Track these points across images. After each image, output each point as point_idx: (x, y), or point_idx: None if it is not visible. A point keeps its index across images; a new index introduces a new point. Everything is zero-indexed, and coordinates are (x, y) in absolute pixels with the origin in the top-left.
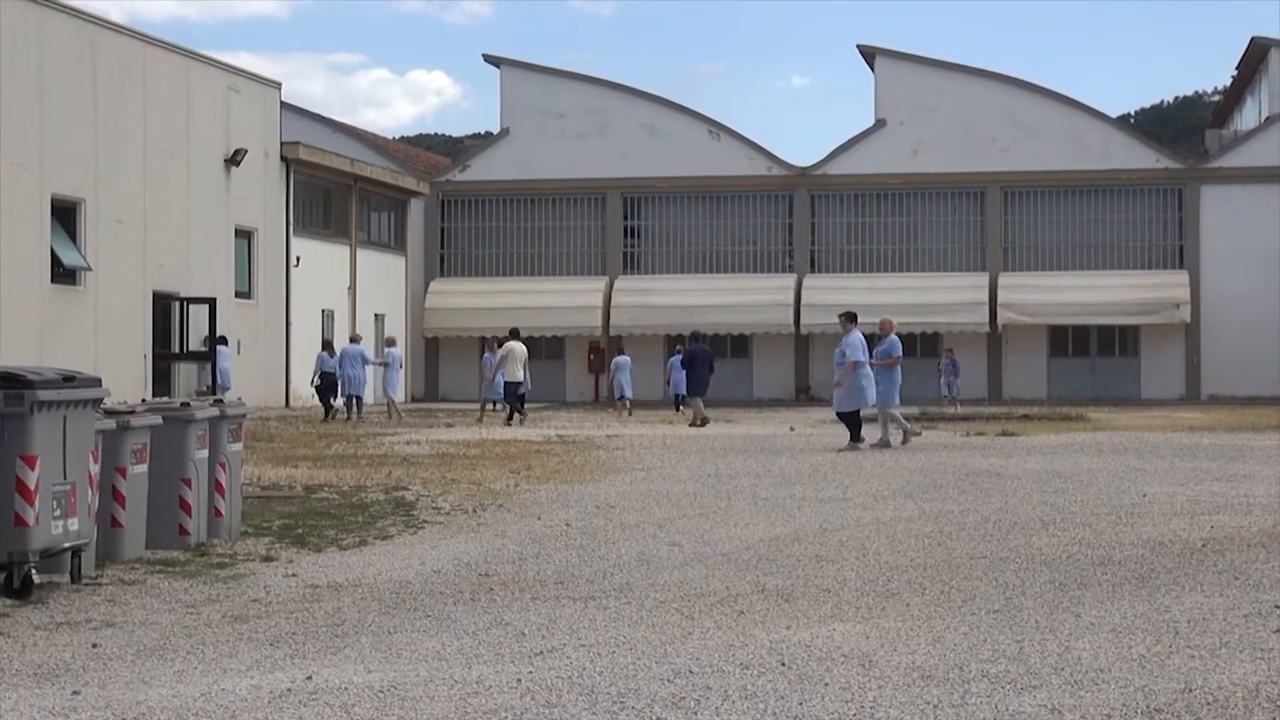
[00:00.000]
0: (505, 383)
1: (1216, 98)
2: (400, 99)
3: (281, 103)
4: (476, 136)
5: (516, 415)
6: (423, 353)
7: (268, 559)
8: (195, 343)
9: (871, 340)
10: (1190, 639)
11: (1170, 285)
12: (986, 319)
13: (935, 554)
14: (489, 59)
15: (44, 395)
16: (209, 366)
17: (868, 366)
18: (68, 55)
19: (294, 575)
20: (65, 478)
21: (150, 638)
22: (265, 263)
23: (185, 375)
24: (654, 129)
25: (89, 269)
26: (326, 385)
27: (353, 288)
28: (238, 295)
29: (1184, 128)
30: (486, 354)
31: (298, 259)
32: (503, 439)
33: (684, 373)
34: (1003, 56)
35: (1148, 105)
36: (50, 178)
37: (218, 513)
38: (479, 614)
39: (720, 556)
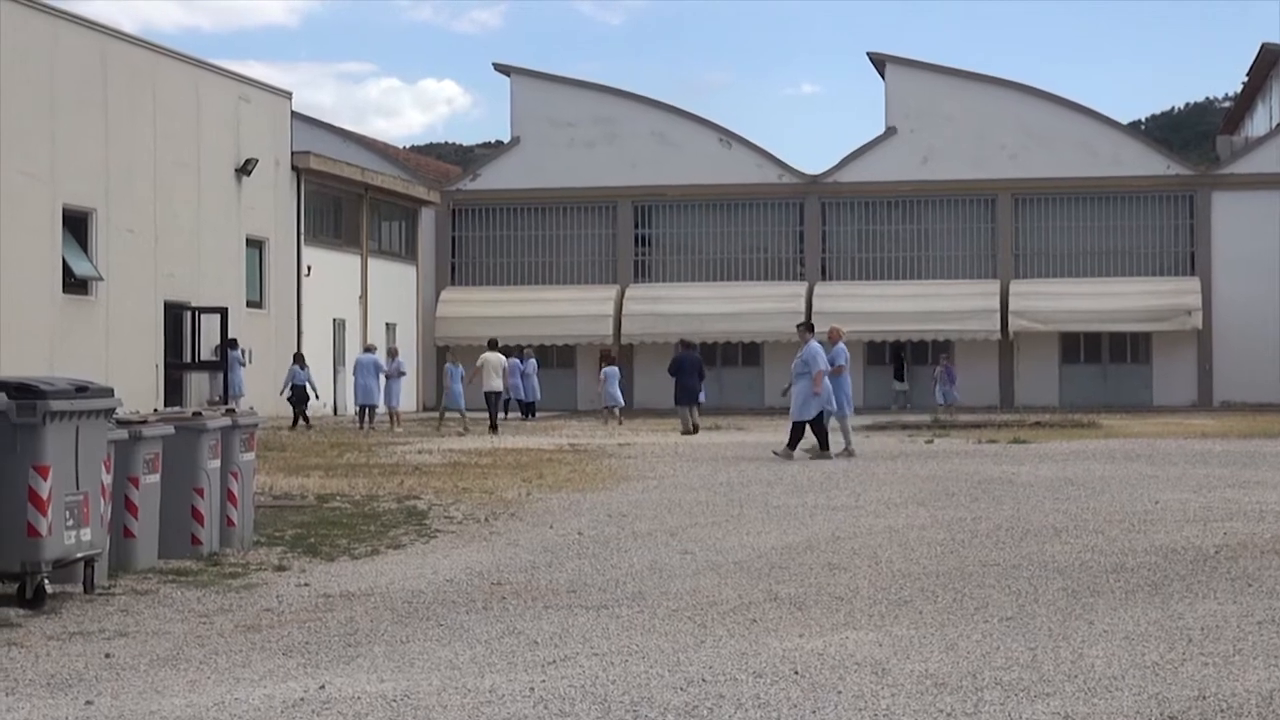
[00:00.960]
0: (485, 393)
1: (1227, 104)
2: (410, 108)
3: (292, 112)
4: (487, 145)
5: (494, 425)
6: (434, 361)
7: (280, 568)
8: (207, 352)
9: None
10: (1204, 646)
11: (1182, 292)
12: (998, 326)
13: (948, 561)
14: (499, 68)
15: (56, 405)
16: (221, 376)
17: (826, 379)
18: (78, 65)
19: (306, 585)
20: (78, 488)
21: (163, 648)
22: (276, 272)
23: (197, 385)
24: (664, 137)
25: (100, 279)
26: (297, 397)
27: (364, 297)
28: (249, 305)
29: (1195, 134)
30: (448, 363)
31: (309, 268)
32: (514, 448)
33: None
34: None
35: (1158, 112)
36: (61, 188)
37: (230, 522)
38: (491, 623)
39: (733, 564)
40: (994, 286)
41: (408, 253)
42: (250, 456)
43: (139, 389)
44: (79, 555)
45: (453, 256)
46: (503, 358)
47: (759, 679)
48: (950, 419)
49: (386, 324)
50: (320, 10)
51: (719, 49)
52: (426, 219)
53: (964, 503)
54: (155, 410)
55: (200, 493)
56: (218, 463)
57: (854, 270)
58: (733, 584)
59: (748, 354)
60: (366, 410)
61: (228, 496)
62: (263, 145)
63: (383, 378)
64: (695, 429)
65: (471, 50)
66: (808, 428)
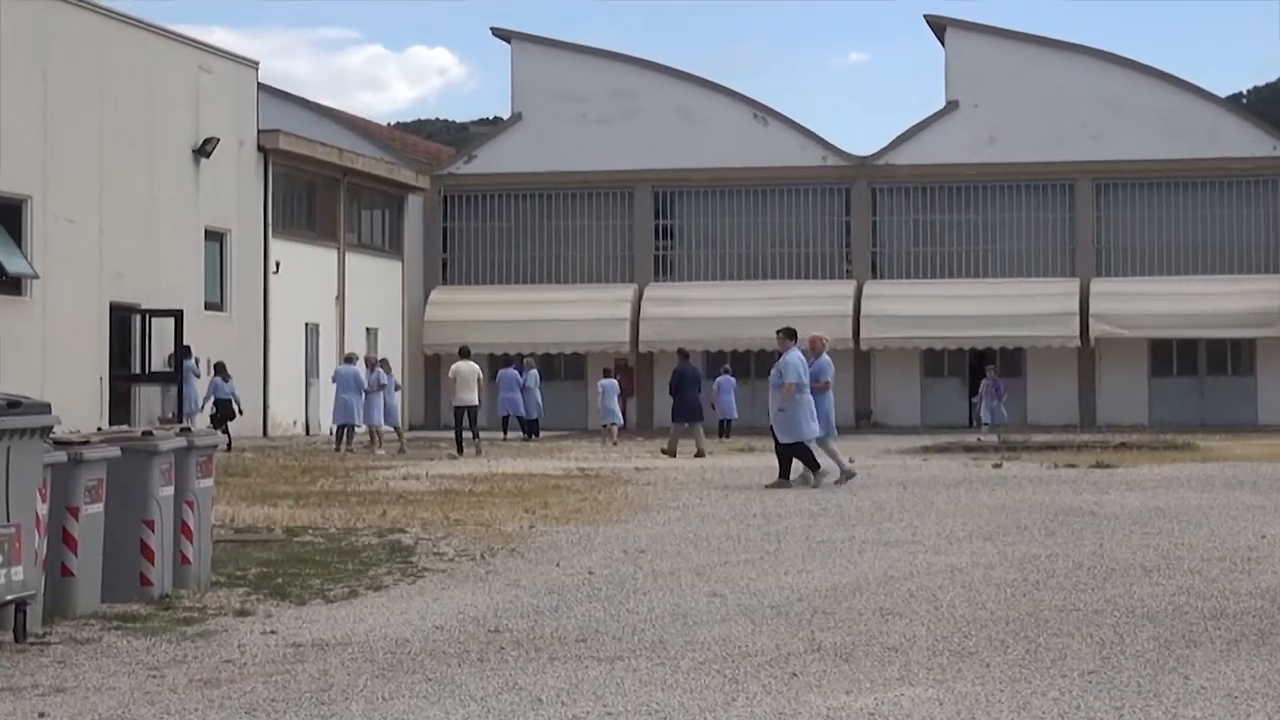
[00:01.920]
0: (455, 408)
1: None
2: (397, 80)
3: (259, 85)
4: (484, 122)
5: (472, 444)
6: (422, 373)
7: (243, 613)
8: (159, 362)
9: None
10: None
11: None
12: (1077, 332)
13: (1019, 606)
14: (498, 33)
15: None
16: (175, 390)
17: (808, 391)
18: (13, 31)
19: (273, 632)
20: (8, 519)
21: (106, 706)
22: (240, 269)
23: (147, 400)
24: (689, 113)
25: (36, 277)
26: (221, 413)
27: (341, 298)
28: (208, 307)
29: None
30: (377, 370)
31: (277, 265)
32: (514, 473)
33: (678, 396)
34: (1092, 27)
35: (1263, 83)
36: None
37: (185, 559)
38: (488, 677)
39: (769, 609)
40: (1072, 286)
41: (392, 247)
42: (209, 483)
43: (80, 404)
44: (9, 598)
45: (444, 251)
46: (476, 367)
47: None
48: (999, 441)
49: (367, 329)
50: None
51: (753, 12)
52: (414, 208)
53: (1038, 537)
54: (99, 429)
55: (150, 525)
56: (171, 490)
57: (909, 267)
58: (769, 631)
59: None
60: (344, 430)
61: (182, 529)
62: (225, 123)
63: (375, 393)
64: (701, 454)
65: (468, 14)
66: (802, 449)
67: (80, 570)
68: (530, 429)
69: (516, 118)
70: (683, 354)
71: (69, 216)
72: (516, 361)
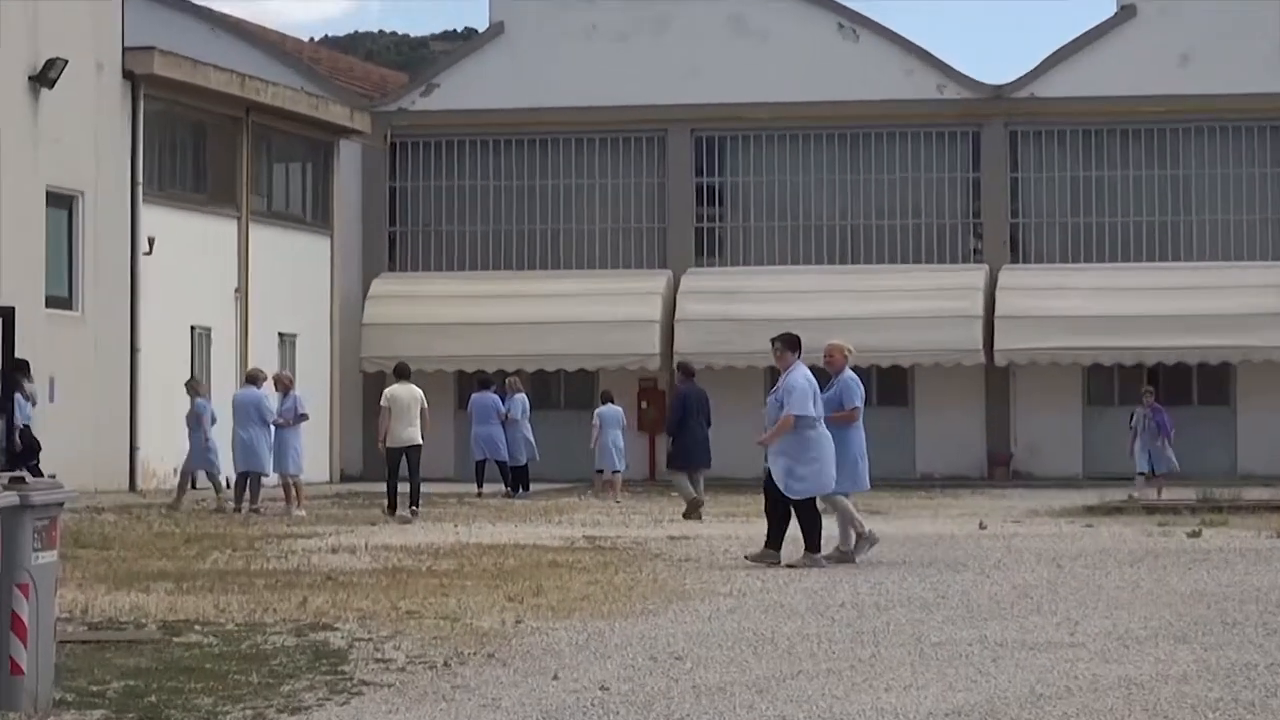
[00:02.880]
0: (387, 451)
1: None
2: None
3: None
4: (449, 37)
5: (410, 507)
6: (360, 398)
7: None
8: None
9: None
10: None
11: None
12: None
13: None
14: None
15: None
16: (3, 421)
17: (822, 425)
18: None
19: None
20: None
21: None
22: (97, 249)
23: None
24: (743, 23)
25: None
26: (26, 445)
27: (243, 290)
28: (50, 304)
29: None
30: (293, 396)
31: (151, 242)
32: (493, 543)
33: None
34: None
35: None
36: None
37: (15, 668)
38: None
39: None
40: None
41: (317, 217)
42: (51, 557)
43: None
44: None
45: (391, 223)
46: (419, 392)
47: None
48: (1154, 499)
49: (281, 335)
50: None
51: None
52: (349, 160)
53: (1254, 638)
54: None
55: None
56: None
57: (1065, 246)
58: None
59: (888, 386)
60: (248, 481)
61: (13, 625)
62: (76, 40)
63: (274, 427)
64: (697, 507)
65: None
66: (808, 510)
67: None
68: (517, 479)
69: (496, 30)
70: (685, 371)
71: None
72: (496, 383)
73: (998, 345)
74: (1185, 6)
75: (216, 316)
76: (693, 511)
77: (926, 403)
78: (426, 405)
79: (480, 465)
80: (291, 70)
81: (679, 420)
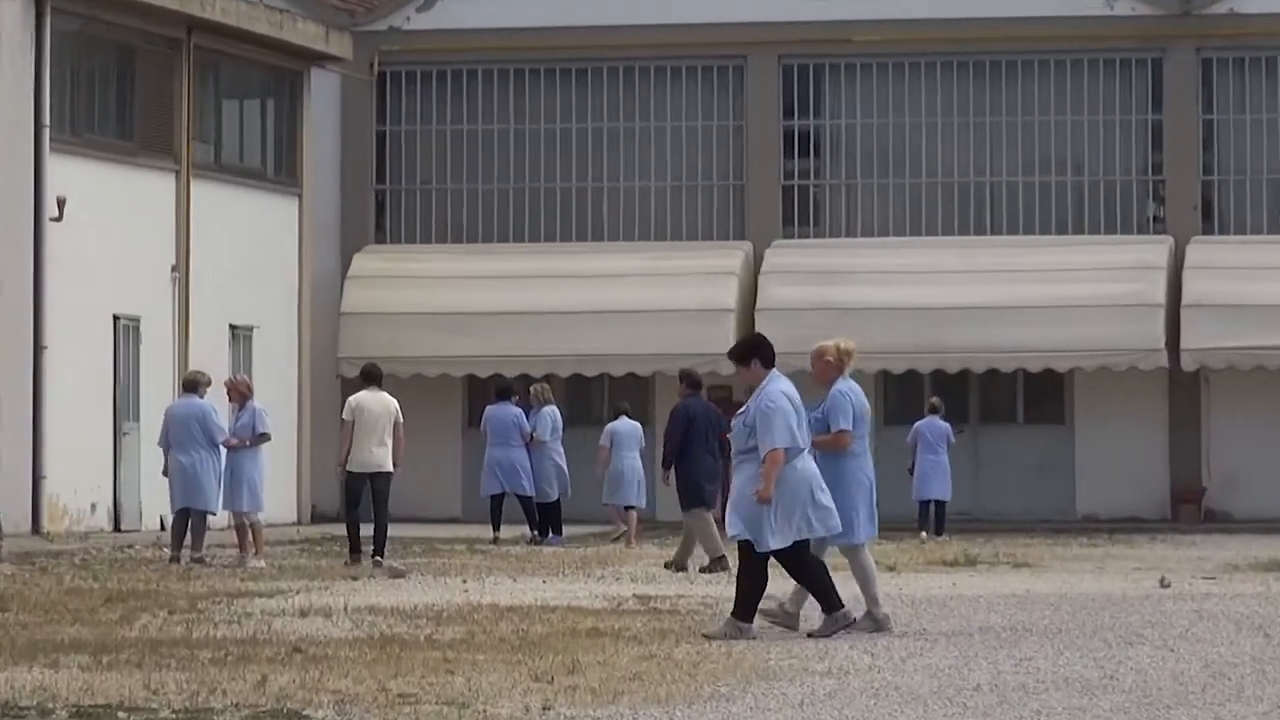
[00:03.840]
0: (347, 477)
1: None
2: None
3: None
4: None
5: (374, 556)
6: (337, 411)
7: None
8: None
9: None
10: None
11: None
12: None
13: None
14: None
15: None
16: None
17: (807, 456)
18: None
19: None
20: None
21: None
22: None
23: None
24: None
25: None
26: None
27: (182, 269)
28: None
29: None
30: (252, 408)
31: (60, 205)
32: (512, 604)
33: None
34: None
35: None
36: None
37: None
38: None
39: None
40: None
41: (281, 171)
42: None
43: None
44: None
45: (380, 179)
46: (392, 403)
47: None
48: None
49: (234, 328)
50: None
51: None
52: (324, 96)
53: None
54: None
55: None
56: None
57: (1274, 211)
58: None
59: (1039, 397)
60: (189, 521)
61: None
62: None
63: (224, 450)
64: (719, 562)
65: None
66: (798, 559)
67: None
68: (545, 520)
69: None
70: (689, 382)
71: None
72: (519, 393)
73: (1185, 343)
74: None
75: (148, 303)
76: (713, 565)
77: (1090, 420)
78: (401, 420)
79: (497, 501)
80: None
81: (679, 446)
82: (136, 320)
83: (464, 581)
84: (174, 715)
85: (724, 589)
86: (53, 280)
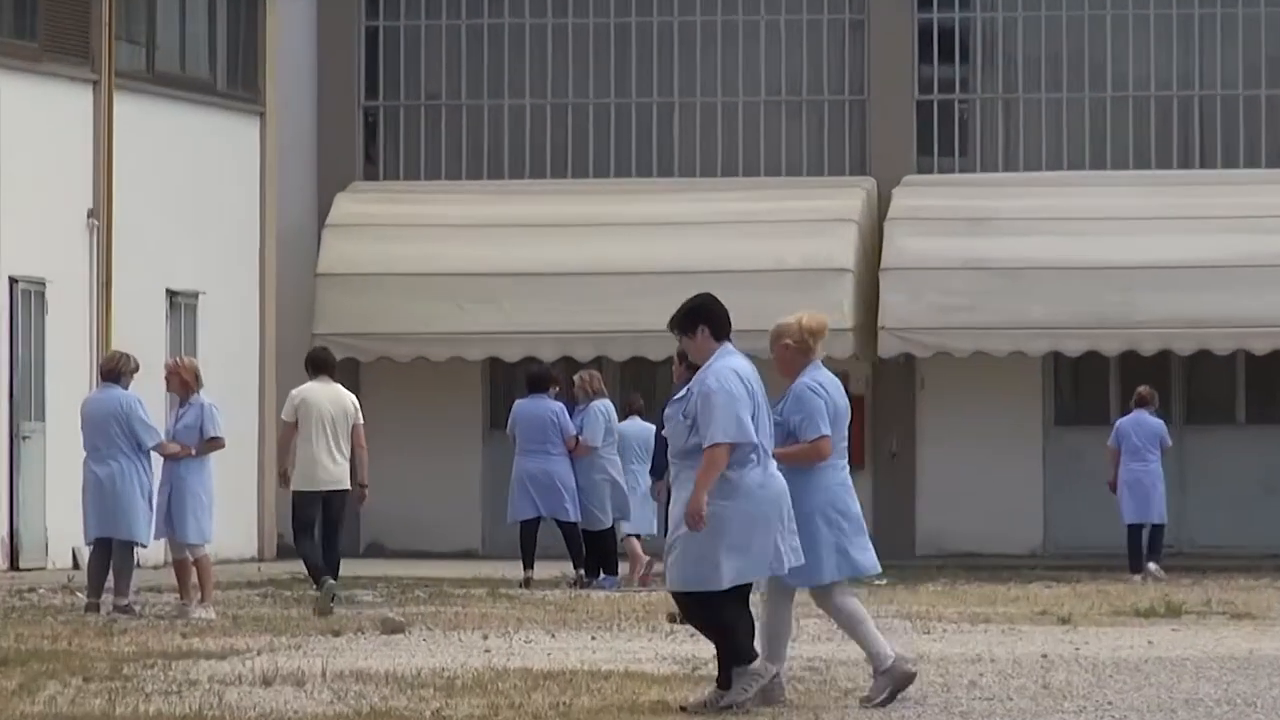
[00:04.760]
0: (295, 498)
1: None
2: None
3: None
4: None
5: (325, 584)
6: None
7: None
8: None
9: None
10: None
11: None
12: None
13: None
14: None
15: None
16: None
17: (766, 464)
18: None
19: None
20: None
21: None
22: None
23: None
24: None
25: None
26: None
27: (102, 214)
28: None
29: None
30: (200, 402)
31: None
32: (551, 668)
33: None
34: None
35: None
36: None
37: None
38: None
39: None
40: None
41: (236, 82)
42: None
43: None
44: None
45: (370, 94)
46: (348, 399)
47: None
48: None
49: (172, 294)
50: None
51: None
52: None
53: None
54: None
55: None
56: None
57: None
58: None
59: (1266, 386)
60: (110, 555)
61: None
62: None
63: (163, 460)
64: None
65: None
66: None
67: None
68: (595, 553)
69: None
70: (691, 364)
71: None
72: (563, 382)
73: None
74: None
75: (56, 261)
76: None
77: None
78: (362, 421)
79: (530, 529)
80: None
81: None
82: (40, 284)
83: (484, 638)
84: None
85: (836, 647)
86: None
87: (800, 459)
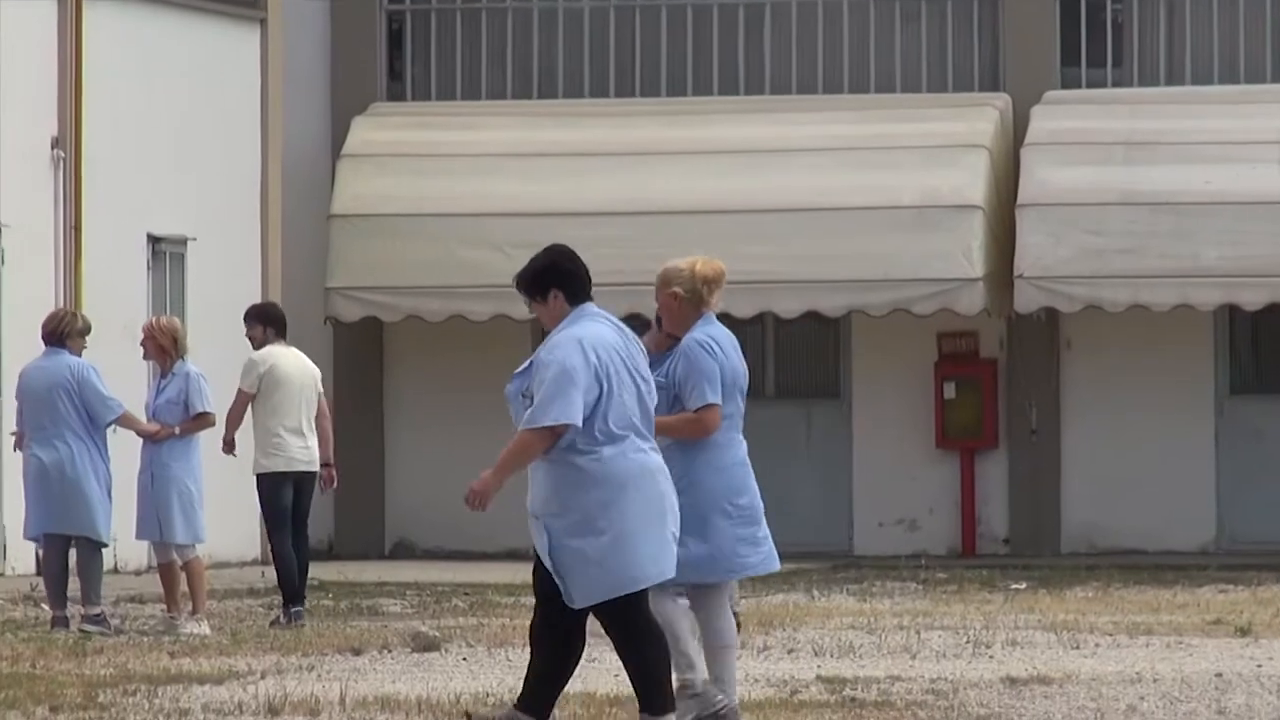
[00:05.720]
0: (260, 481)
1: None
2: None
3: None
4: None
5: (293, 612)
6: (328, 375)
7: None
8: None
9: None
10: None
11: None
12: None
13: None
14: None
15: None
16: None
17: (638, 444)
18: None
19: None
20: None
21: None
22: None
23: None
24: None
25: None
26: None
27: (70, 144)
28: None
29: None
30: (186, 371)
31: None
32: (611, 691)
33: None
34: None
35: None
36: None
37: None
38: None
39: None
40: None
41: None
42: None
43: None
44: None
45: None
46: (313, 369)
47: None
48: None
49: (154, 240)
50: None
51: None
52: None
53: None
54: None
55: None
56: None
57: None
58: None
59: None
60: (66, 556)
61: None
62: None
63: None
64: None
65: None
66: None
67: None
68: None
69: None
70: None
71: None
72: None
73: None
74: None
75: (15, 202)
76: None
77: None
78: (322, 390)
79: None
80: None
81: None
82: None
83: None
84: None
85: (966, 666)
86: None
87: (682, 432)
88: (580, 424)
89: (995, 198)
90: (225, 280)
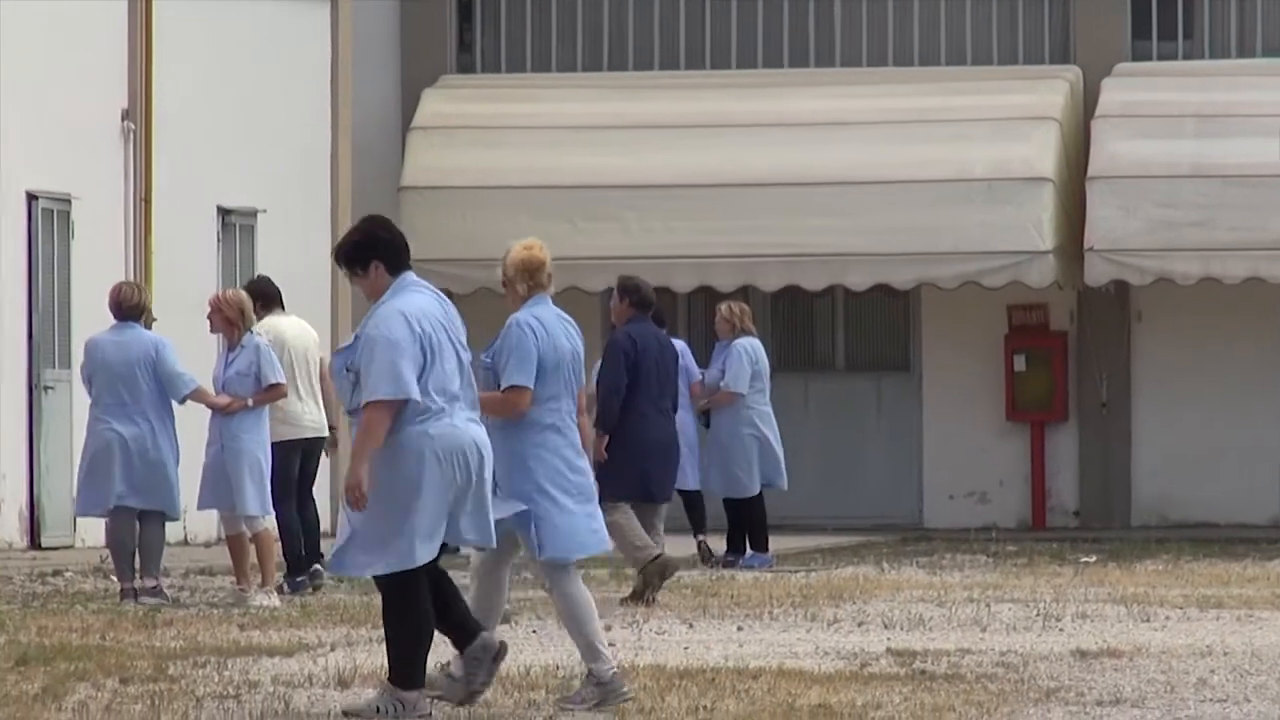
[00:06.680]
0: (274, 447)
1: None
2: None
3: None
4: None
5: (315, 572)
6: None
7: None
8: None
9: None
10: None
11: None
12: None
13: None
14: None
15: None
16: None
17: (459, 413)
18: None
19: None
20: None
21: None
22: None
23: None
24: None
25: None
26: None
27: (140, 116)
28: None
29: None
30: (255, 340)
31: None
32: (688, 665)
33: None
34: None
35: None
36: None
37: None
38: None
39: None
40: None
41: None
42: None
43: None
44: None
45: None
46: (313, 334)
47: None
48: None
49: (224, 212)
50: None
51: None
52: None
53: None
54: None
55: None
56: None
57: None
58: None
59: None
60: (137, 529)
61: None
62: None
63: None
64: (663, 569)
65: None
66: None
67: None
68: (739, 528)
69: None
70: (635, 298)
71: None
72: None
73: None
74: None
75: (84, 173)
76: (648, 584)
77: None
78: (325, 356)
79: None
80: None
81: (617, 399)
82: (65, 201)
83: (607, 629)
84: None
85: (1035, 639)
86: None
87: (493, 410)
88: (417, 395)
89: (1066, 170)
90: (295, 253)
